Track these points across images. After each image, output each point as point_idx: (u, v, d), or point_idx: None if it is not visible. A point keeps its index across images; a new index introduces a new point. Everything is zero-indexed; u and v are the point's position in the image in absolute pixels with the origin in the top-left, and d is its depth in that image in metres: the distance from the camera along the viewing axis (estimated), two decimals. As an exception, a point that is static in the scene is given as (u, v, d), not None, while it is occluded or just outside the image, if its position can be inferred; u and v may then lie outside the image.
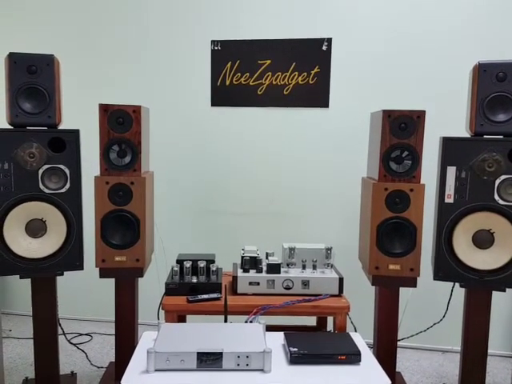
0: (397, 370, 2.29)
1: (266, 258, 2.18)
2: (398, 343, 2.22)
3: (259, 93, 2.92)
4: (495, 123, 1.92)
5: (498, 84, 1.90)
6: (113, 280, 2.18)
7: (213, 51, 2.93)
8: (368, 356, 1.62)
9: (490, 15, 2.66)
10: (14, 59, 1.94)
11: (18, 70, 1.94)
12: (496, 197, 1.93)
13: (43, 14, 3.05)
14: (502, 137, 1.93)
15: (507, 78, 1.89)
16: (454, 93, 2.62)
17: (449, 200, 1.97)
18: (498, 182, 1.93)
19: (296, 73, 2.87)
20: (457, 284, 2.04)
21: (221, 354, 1.47)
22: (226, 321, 1.93)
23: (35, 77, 1.95)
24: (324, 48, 2.83)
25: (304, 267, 2.14)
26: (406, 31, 2.76)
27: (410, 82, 2.77)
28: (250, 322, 1.88)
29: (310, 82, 2.87)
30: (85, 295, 3.15)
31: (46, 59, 1.96)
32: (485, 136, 1.95)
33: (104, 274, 2.11)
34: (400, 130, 2.01)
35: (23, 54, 1.95)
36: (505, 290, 1.98)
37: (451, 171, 1.96)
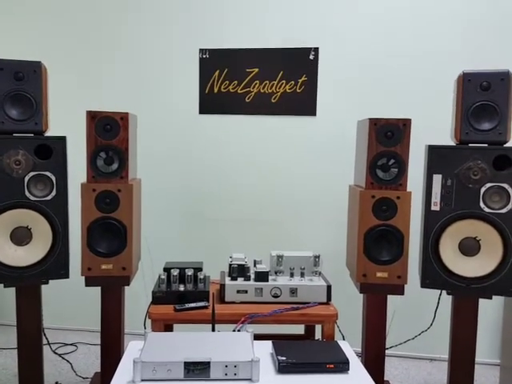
0: (385, 378, 2.28)
1: (254, 265, 2.18)
2: (386, 351, 2.22)
3: (247, 101, 2.92)
4: (480, 132, 1.94)
5: (483, 93, 1.93)
6: (99, 288, 2.15)
7: (201, 59, 2.94)
8: (356, 364, 1.61)
9: (477, 25, 2.70)
10: (1, 66, 1.92)
11: (5, 76, 1.92)
12: (481, 204, 1.95)
13: (31, 20, 3.04)
14: (486, 145, 1.95)
15: (491, 87, 1.92)
16: (440, 101, 2.64)
17: (435, 208, 1.98)
18: (483, 189, 1.95)
19: (284, 81, 2.89)
20: (444, 291, 2.05)
21: (208, 363, 1.46)
22: (213, 330, 1.91)
23: (22, 83, 1.94)
24: (311, 57, 2.86)
25: (292, 275, 2.14)
26: (394, 41, 2.79)
27: (396, 91, 2.80)
28: (238, 330, 1.87)
29: (298, 91, 2.88)
30: (70, 304, 3.10)
31: (33, 66, 1.95)
32: (470, 144, 1.97)
33: (90, 282, 2.09)
34: (386, 138, 2.03)
35: (10, 61, 1.93)
36: (491, 298, 1.99)
37: (437, 179, 1.98)
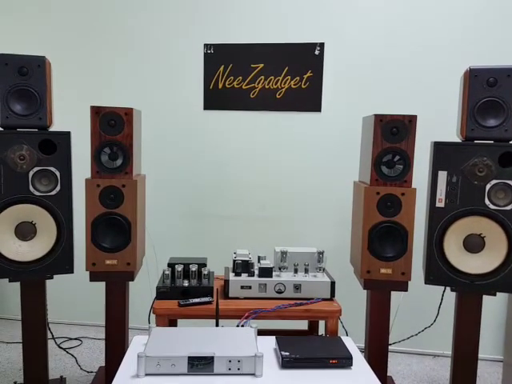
0: (388, 374, 2.29)
1: (258, 261, 2.18)
2: (390, 347, 2.22)
3: (252, 96, 2.92)
4: (486, 128, 1.93)
5: (489, 89, 1.92)
6: (103, 284, 2.16)
7: (205, 54, 2.93)
8: (359, 360, 1.62)
9: (481, 22, 2.68)
10: (5, 61, 1.92)
11: (9, 71, 1.92)
12: (486, 201, 1.94)
13: (35, 16, 3.03)
14: (492, 142, 1.95)
15: (498, 83, 1.91)
16: (446, 97, 2.64)
17: (440, 204, 1.98)
18: (488, 186, 1.94)
19: (289, 77, 2.88)
20: (448, 288, 2.05)
21: (212, 358, 1.46)
22: (217, 325, 1.92)
23: (26, 78, 1.94)
24: (316, 53, 2.84)
25: (296, 271, 2.14)
26: (398, 36, 2.77)
27: (402, 87, 2.78)
28: (242, 326, 1.87)
29: (303, 87, 2.87)
30: (75, 299, 3.12)
31: (38, 61, 1.95)
32: (475, 141, 1.96)
33: (94, 277, 2.09)
34: (392, 135, 2.02)
35: (14, 56, 1.93)
36: (495, 294, 1.99)
37: (442, 176, 1.97)
